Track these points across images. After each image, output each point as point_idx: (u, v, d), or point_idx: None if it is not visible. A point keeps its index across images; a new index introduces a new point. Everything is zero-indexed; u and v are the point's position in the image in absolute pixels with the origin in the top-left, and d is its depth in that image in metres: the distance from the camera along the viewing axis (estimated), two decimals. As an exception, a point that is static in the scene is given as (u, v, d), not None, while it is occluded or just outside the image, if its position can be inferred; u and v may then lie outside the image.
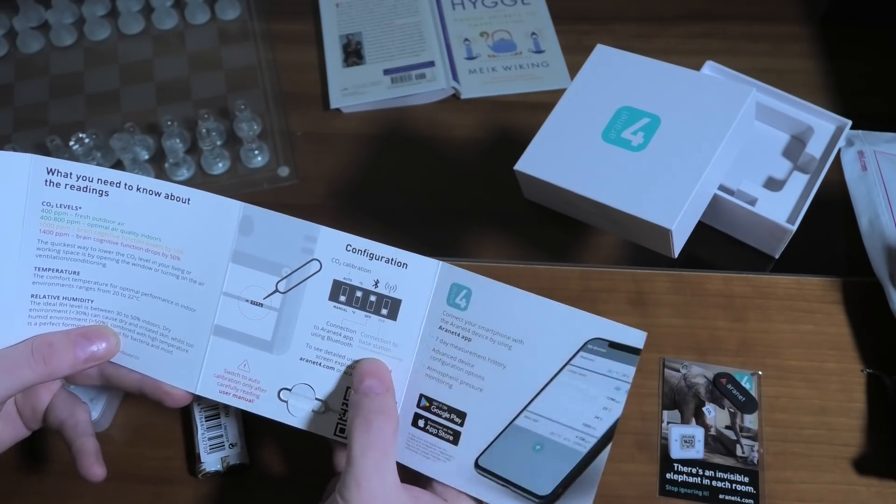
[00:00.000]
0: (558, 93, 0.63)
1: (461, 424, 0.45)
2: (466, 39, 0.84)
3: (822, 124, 0.67)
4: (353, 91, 0.80)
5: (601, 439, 0.43)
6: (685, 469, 0.54)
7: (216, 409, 0.55)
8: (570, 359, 0.43)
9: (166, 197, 0.45)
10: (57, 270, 0.45)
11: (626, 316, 0.60)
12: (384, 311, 0.45)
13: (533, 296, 0.44)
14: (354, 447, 0.41)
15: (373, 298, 0.45)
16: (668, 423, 0.56)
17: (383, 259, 0.45)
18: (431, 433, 0.45)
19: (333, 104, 0.79)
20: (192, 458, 0.54)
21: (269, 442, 0.55)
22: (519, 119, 0.78)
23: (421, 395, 0.45)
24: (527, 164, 0.59)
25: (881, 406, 0.56)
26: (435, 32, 0.84)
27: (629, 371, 0.43)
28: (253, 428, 0.56)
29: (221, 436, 0.54)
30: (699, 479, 0.54)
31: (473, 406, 0.44)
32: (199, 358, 0.46)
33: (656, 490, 0.54)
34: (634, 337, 0.43)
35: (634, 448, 0.55)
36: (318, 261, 0.45)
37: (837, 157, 0.67)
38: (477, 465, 0.44)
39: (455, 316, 0.45)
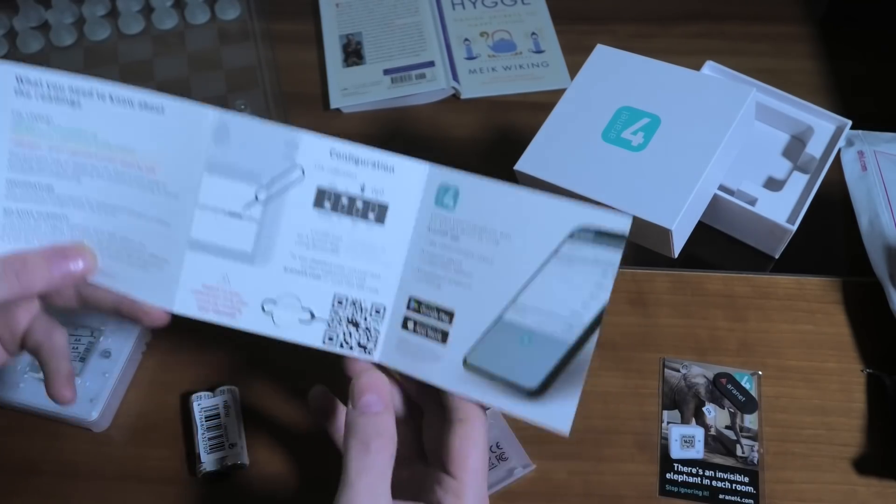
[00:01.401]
0: (558, 93, 0.63)
1: (450, 323, 0.43)
2: (466, 39, 0.84)
3: (822, 124, 0.67)
4: (353, 91, 0.80)
5: (588, 327, 0.42)
6: (685, 469, 0.54)
7: (216, 410, 0.55)
8: (557, 248, 0.42)
9: (140, 106, 0.42)
10: (30, 185, 0.43)
11: (626, 316, 0.60)
12: (371, 216, 0.44)
13: (519, 188, 0.42)
14: (350, 469, 0.40)
15: (359, 204, 0.43)
16: (668, 423, 0.56)
17: (369, 163, 0.43)
18: (420, 334, 0.44)
19: (333, 104, 0.79)
20: (192, 458, 0.54)
21: (269, 442, 0.55)
22: (519, 119, 0.78)
23: (410, 298, 0.44)
24: (527, 164, 0.59)
25: (881, 406, 0.56)
26: (435, 32, 0.84)
27: (615, 256, 0.42)
28: (253, 428, 0.56)
29: (221, 436, 0.54)
30: (699, 479, 0.54)
31: (462, 304, 0.43)
32: (175, 274, 0.43)
33: (656, 490, 0.54)
34: (619, 222, 0.42)
35: (634, 448, 0.55)
36: (301, 167, 0.43)
37: (837, 157, 0.67)
38: (465, 363, 0.43)
39: (443, 216, 0.43)
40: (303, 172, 0.43)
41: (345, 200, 0.44)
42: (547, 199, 0.42)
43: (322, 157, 0.43)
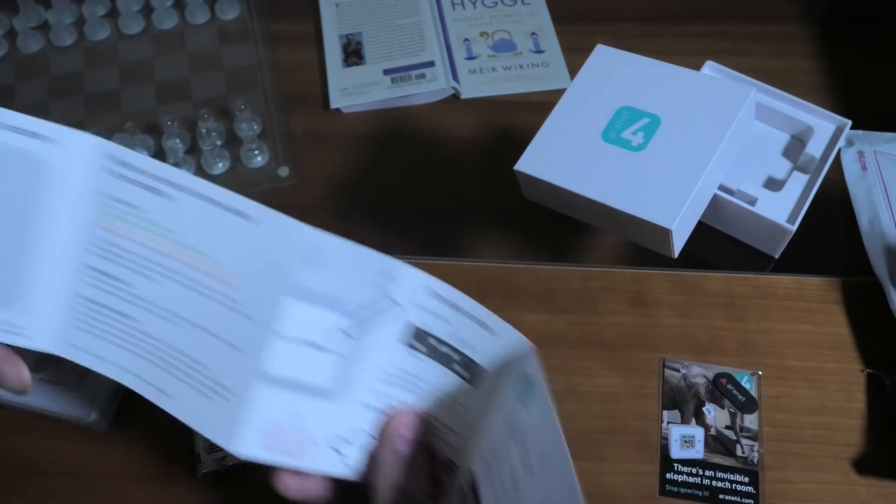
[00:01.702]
0: (558, 93, 0.63)
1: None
2: (466, 39, 0.84)
3: (822, 124, 0.67)
4: (353, 91, 0.80)
5: None
6: (685, 469, 0.54)
7: (216, 410, 0.55)
8: None
9: (235, 212, 0.39)
10: (109, 276, 0.40)
11: (626, 316, 0.60)
12: (459, 370, 0.41)
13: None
14: None
15: (450, 353, 0.40)
16: (668, 423, 0.56)
17: (468, 316, 0.40)
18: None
19: (333, 104, 0.79)
20: (192, 458, 0.54)
21: (269, 442, 0.55)
22: (519, 119, 0.78)
23: (470, 471, 0.41)
24: (527, 164, 0.59)
25: (881, 406, 0.56)
26: (435, 32, 0.84)
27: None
28: (253, 428, 0.56)
29: (221, 436, 0.54)
30: (699, 479, 0.54)
31: None
32: (240, 408, 0.38)
33: (656, 490, 0.54)
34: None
35: (634, 448, 0.55)
36: (395, 301, 0.39)
37: (837, 157, 0.67)
38: None
39: (517, 410, 0.38)
40: (396, 306, 0.40)
41: (432, 341, 0.40)
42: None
43: (420, 294, 0.40)
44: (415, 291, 0.40)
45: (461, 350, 0.40)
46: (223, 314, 0.39)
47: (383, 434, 0.41)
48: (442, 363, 0.41)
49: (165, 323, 0.40)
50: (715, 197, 0.62)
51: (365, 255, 0.39)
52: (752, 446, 0.55)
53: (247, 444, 0.38)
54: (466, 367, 0.40)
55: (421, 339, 0.40)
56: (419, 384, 0.41)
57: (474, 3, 0.87)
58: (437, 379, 0.41)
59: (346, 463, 0.41)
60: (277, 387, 0.39)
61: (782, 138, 0.69)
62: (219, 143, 0.76)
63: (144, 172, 0.39)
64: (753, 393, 0.57)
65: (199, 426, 0.39)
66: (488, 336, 0.40)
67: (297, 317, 0.38)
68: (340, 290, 0.39)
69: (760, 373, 0.58)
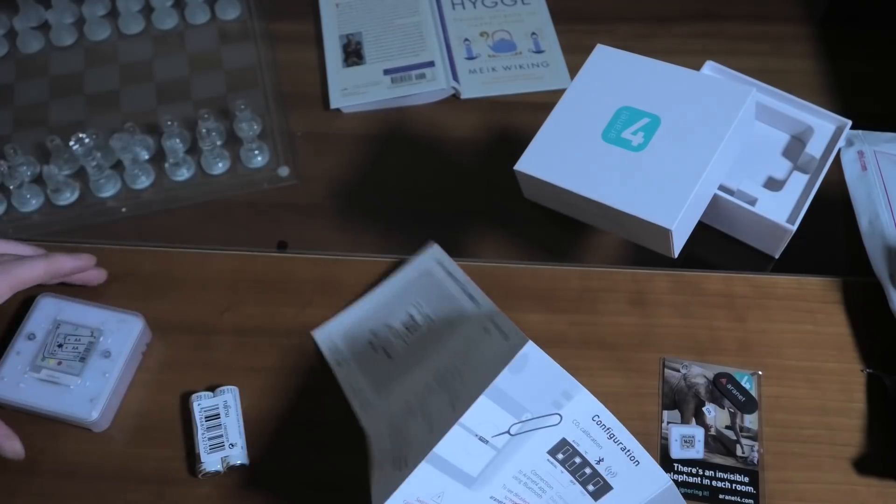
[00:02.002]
0: (558, 93, 0.63)
1: None
2: (466, 39, 0.84)
3: (822, 124, 0.67)
4: (353, 91, 0.80)
5: None
6: (685, 469, 0.54)
7: (216, 410, 0.55)
8: None
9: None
10: None
11: (626, 316, 0.60)
12: (590, 488, 0.44)
13: None
14: None
15: (588, 470, 0.44)
16: (668, 423, 0.56)
17: (620, 445, 0.43)
18: None
19: (333, 104, 0.79)
20: (192, 458, 0.54)
21: (269, 442, 0.55)
22: (519, 119, 0.78)
23: None
24: (527, 164, 0.59)
25: (881, 406, 0.56)
26: (435, 32, 0.84)
27: None
28: (253, 428, 0.56)
29: (221, 436, 0.54)
30: (699, 479, 0.54)
31: None
32: (404, 480, 0.42)
33: (656, 490, 0.53)
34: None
35: (634, 448, 0.55)
36: (561, 416, 0.43)
37: (837, 157, 0.67)
38: None
39: None
40: (560, 420, 0.43)
41: (578, 460, 0.44)
42: None
43: (584, 416, 0.43)
44: (582, 414, 0.43)
45: (599, 471, 0.44)
46: (442, 400, 0.45)
47: None
48: (574, 475, 0.44)
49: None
50: (715, 197, 0.62)
51: (557, 374, 0.42)
52: (752, 446, 0.55)
53: None
54: (596, 485, 0.44)
55: (566, 452, 0.43)
56: (546, 489, 0.44)
57: (474, 3, 0.87)
58: (563, 488, 0.44)
59: None
60: (438, 467, 0.42)
61: (782, 138, 0.69)
62: (219, 143, 0.76)
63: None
64: (753, 393, 0.57)
65: (373, 490, 0.44)
66: (631, 465, 0.43)
67: (482, 413, 0.42)
68: (525, 397, 0.42)
69: (760, 373, 0.58)
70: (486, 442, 0.43)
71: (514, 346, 0.42)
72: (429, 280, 0.59)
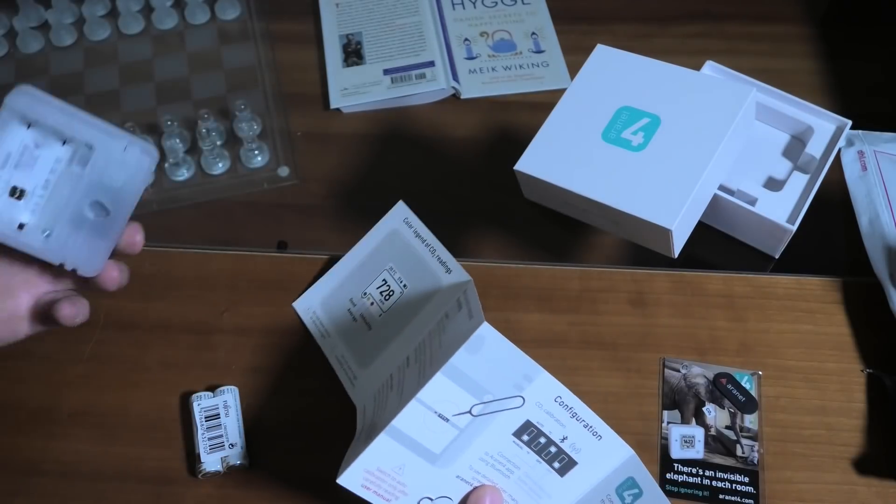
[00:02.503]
0: (558, 93, 0.63)
1: None
2: (466, 39, 0.84)
3: (822, 124, 0.67)
4: (353, 91, 0.80)
5: None
6: (685, 469, 0.54)
7: (216, 410, 0.55)
8: None
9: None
10: None
11: (626, 316, 0.60)
12: (556, 465, 0.45)
13: None
14: None
15: (553, 449, 0.45)
16: (668, 423, 0.56)
17: (583, 423, 0.44)
18: None
19: (333, 104, 0.79)
20: (192, 458, 0.54)
21: (269, 442, 0.55)
22: (519, 119, 0.78)
23: None
24: (527, 164, 0.59)
25: (881, 406, 0.56)
26: (435, 32, 0.84)
27: None
28: (253, 428, 0.56)
29: (221, 436, 0.54)
30: (699, 479, 0.54)
31: None
32: (365, 450, 0.44)
33: (656, 490, 0.54)
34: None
35: (634, 448, 0.55)
36: (523, 398, 0.43)
37: (837, 157, 0.67)
38: None
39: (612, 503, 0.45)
40: (522, 403, 0.43)
41: (542, 440, 0.45)
42: None
43: (546, 398, 0.43)
44: (544, 395, 0.43)
45: (564, 449, 0.45)
46: (414, 373, 0.46)
47: None
48: (540, 455, 0.45)
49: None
50: (715, 197, 0.62)
51: (517, 356, 0.42)
52: (752, 446, 0.55)
53: (351, 478, 0.44)
54: (562, 462, 0.45)
55: (530, 434, 0.44)
56: (513, 469, 0.45)
57: (474, 3, 0.87)
58: (529, 467, 0.45)
59: None
60: (396, 440, 0.43)
61: (782, 138, 0.69)
62: (219, 143, 0.76)
63: None
64: (753, 393, 0.57)
65: (344, 460, 0.46)
66: (595, 441, 0.44)
67: (440, 390, 0.42)
68: (485, 379, 0.43)
69: (760, 373, 0.58)
70: (447, 420, 0.43)
71: (473, 326, 0.42)
72: (398, 241, 0.59)
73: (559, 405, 0.43)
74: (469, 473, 0.45)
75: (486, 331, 0.42)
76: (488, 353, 0.42)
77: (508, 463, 0.45)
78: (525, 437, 0.44)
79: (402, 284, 0.58)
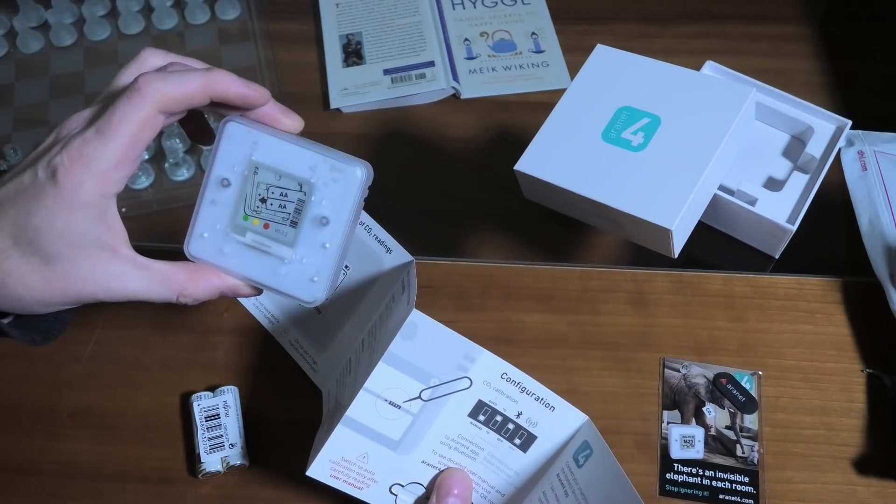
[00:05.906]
0: (558, 93, 0.63)
1: None
2: (466, 39, 0.84)
3: (822, 124, 0.67)
4: (353, 91, 0.80)
5: None
6: (685, 469, 0.54)
7: (216, 410, 0.55)
8: None
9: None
10: None
11: (626, 316, 0.60)
12: (517, 441, 0.46)
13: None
14: None
15: (510, 426, 0.45)
16: (668, 423, 0.56)
17: (533, 396, 0.45)
18: None
19: (333, 104, 0.79)
20: (192, 458, 0.54)
21: (269, 442, 0.55)
22: (519, 119, 0.78)
23: None
24: (527, 164, 0.59)
25: (881, 406, 0.56)
26: (435, 32, 0.84)
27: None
28: (253, 428, 0.56)
29: (221, 436, 0.54)
30: (699, 479, 0.54)
31: None
32: (327, 442, 0.45)
33: (656, 490, 0.54)
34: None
35: (634, 448, 0.55)
36: (470, 379, 0.44)
37: (837, 157, 0.67)
38: None
39: (571, 470, 0.46)
40: (470, 384, 0.44)
41: (499, 419, 0.45)
42: None
43: (492, 376, 0.44)
44: (490, 374, 0.44)
45: (522, 425, 0.45)
46: (366, 359, 0.47)
47: (436, 489, 0.46)
48: (500, 434, 0.46)
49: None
50: (715, 197, 0.62)
51: (452, 339, 0.43)
52: (752, 446, 0.55)
53: (319, 470, 0.45)
54: (522, 438, 0.46)
55: (486, 413, 0.45)
56: (478, 451, 0.46)
57: (474, 3, 0.87)
58: (492, 447, 0.46)
59: None
60: (354, 430, 0.44)
61: (782, 138, 0.69)
62: (219, 143, 0.76)
63: None
64: (753, 393, 0.57)
65: (311, 450, 0.47)
66: (548, 412, 0.45)
67: (385, 379, 0.43)
68: (427, 363, 0.43)
69: (760, 373, 0.58)
70: (399, 407, 0.44)
71: (408, 312, 0.43)
72: None
73: (507, 381, 0.44)
74: (434, 458, 0.46)
75: (417, 317, 0.42)
76: (424, 338, 0.43)
77: (472, 444, 0.46)
78: (481, 418, 0.45)
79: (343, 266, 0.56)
